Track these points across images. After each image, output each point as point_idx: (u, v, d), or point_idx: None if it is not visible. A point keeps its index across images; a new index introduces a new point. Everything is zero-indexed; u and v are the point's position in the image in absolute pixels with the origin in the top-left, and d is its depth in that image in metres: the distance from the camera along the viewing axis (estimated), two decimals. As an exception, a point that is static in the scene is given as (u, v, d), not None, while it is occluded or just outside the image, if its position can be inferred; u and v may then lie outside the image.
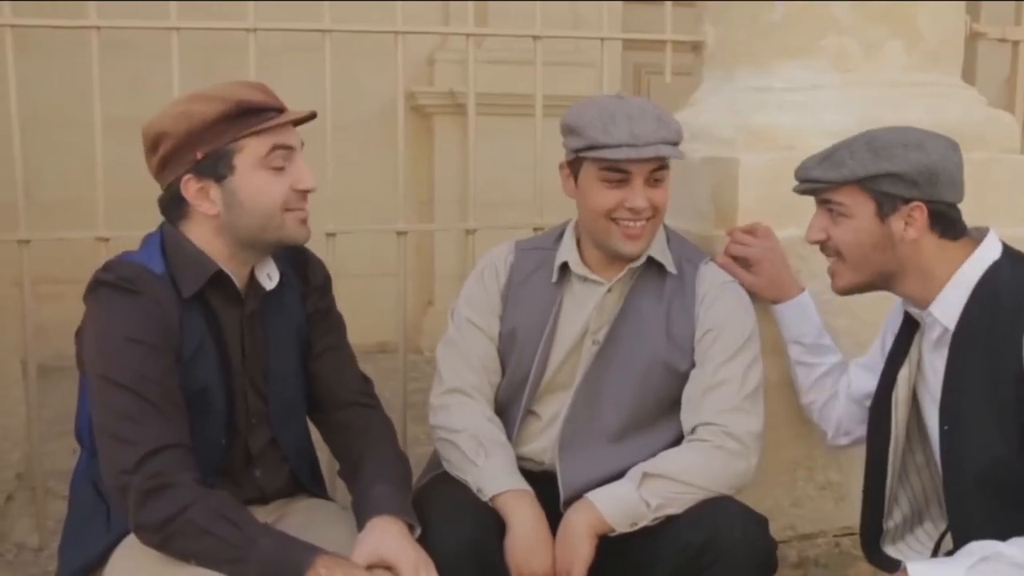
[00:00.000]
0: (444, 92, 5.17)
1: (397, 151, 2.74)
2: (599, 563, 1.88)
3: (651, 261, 2.07)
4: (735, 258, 2.26)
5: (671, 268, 2.08)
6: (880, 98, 2.48)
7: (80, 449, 1.88)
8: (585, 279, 2.10)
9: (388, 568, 1.70)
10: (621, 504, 1.89)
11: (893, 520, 1.96)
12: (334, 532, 1.80)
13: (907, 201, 1.77)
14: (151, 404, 1.67)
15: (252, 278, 1.87)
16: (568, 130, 2.02)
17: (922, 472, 1.94)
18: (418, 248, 5.19)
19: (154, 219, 1.87)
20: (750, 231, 2.29)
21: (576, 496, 1.94)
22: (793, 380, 2.28)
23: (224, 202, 1.77)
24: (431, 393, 2.13)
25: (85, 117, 2.55)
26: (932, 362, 1.85)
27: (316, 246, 2.13)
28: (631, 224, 2.00)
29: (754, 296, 2.20)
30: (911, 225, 1.78)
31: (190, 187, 1.76)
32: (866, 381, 2.11)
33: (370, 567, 1.70)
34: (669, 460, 1.95)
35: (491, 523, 1.89)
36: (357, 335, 2.16)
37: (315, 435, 2.07)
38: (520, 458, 2.05)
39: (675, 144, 1.99)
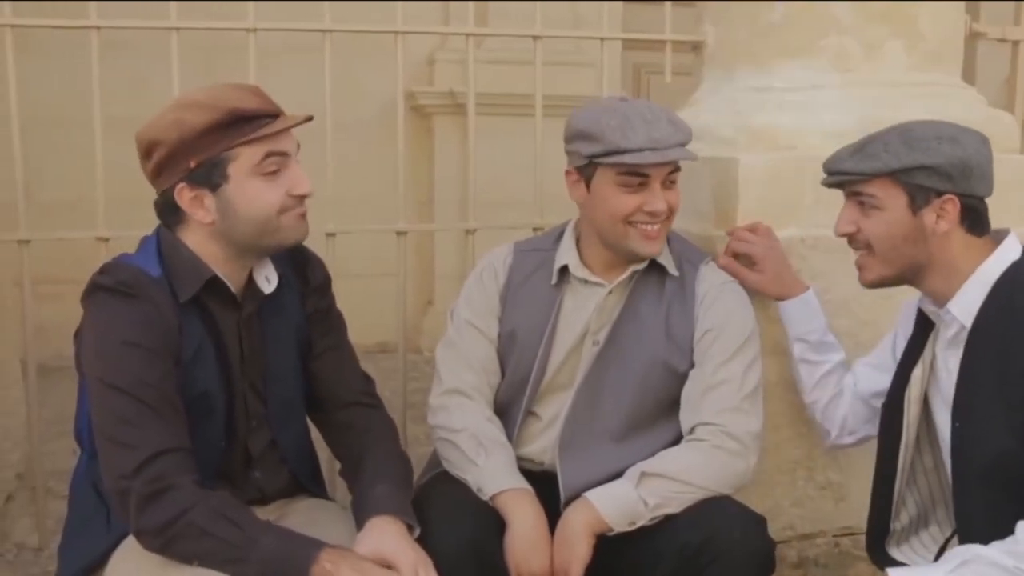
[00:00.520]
0: (444, 92, 5.17)
1: (397, 151, 2.74)
2: (597, 563, 1.88)
3: (653, 263, 2.07)
4: (737, 256, 2.27)
5: (673, 270, 2.09)
6: (880, 98, 2.48)
7: (80, 451, 1.88)
8: (585, 281, 2.09)
9: (388, 567, 1.70)
10: (619, 503, 1.89)
11: (899, 522, 1.96)
12: (334, 532, 1.80)
13: (940, 194, 1.77)
14: (150, 408, 1.66)
15: (250, 280, 1.87)
16: (581, 136, 2.00)
17: (930, 475, 1.93)
18: (418, 248, 5.19)
19: (154, 219, 1.86)
20: (751, 229, 2.29)
21: (577, 497, 1.94)
22: (796, 379, 2.28)
23: (219, 210, 1.75)
24: (430, 394, 2.13)
25: (85, 117, 2.55)
26: (946, 361, 1.85)
27: (316, 246, 2.13)
28: (649, 227, 2.00)
29: (758, 294, 2.20)
30: (943, 218, 1.77)
31: (184, 195, 1.75)
32: (874, 380, 2.11)
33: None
34: (668, 459, 1.95)
35: (491, 522, 1.89)
36: (357, 335, 2.15)
37: (315, 435, 2.07)
38: (520, 459, 2.05)
39: (687, 145, 2.00)
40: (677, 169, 2.01)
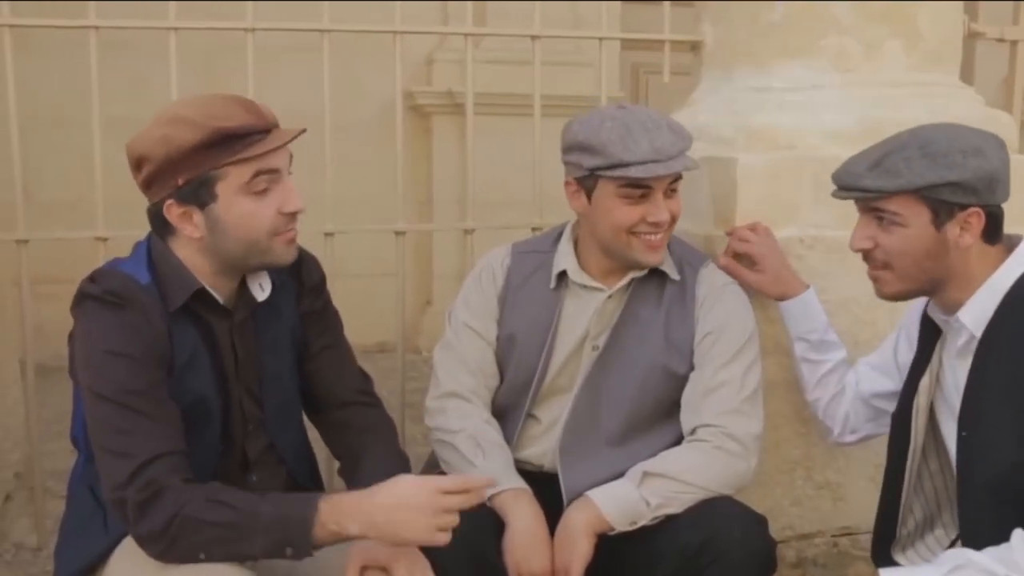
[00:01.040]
0: (443, 92, 5.17)
1: (396, 151, 2.74)
2: (598, 562, 1.87)
3: (653, 268, 2.07)
4: (737, 256, 2.27)
5: (674, 275, 2.08)
6: (880, 98, 2.49)
7: (77, 453, 1.88)
8: (584, 286, 2.09)
9: (383, 570, 1.70)
10: (621, 503, 1.89)
11: (906, 528, 1.94)
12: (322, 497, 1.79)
13: (964, 207, 1.71)
14: (140, 414, 1.65)
15: (243, 287, 1.85)
16: (580, 147, 1.98)
17: (935, 478, 1.91)
18: (417, 248, 5.19)
19: (153, 219, 1.86)
20: (751, 229, 2.29)
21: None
22: (798, 377, 2.28)
23: (208, 227, 1.73)
24: (427, 396, 2.13)
25: (84, 117, 2.55)
26: (953, 370, 1.82)
27: (315, 246, 2.13)
28: (652, 236, 1.99)
29: (758, 294, 2.20)
30: (967, 231, 1.73)
31: (172, 211, 1.73)
32: (875, 381, 2.11)
33: (365, 569, 1.70)
34: (669, 460, 1.95)
35: (488, 523, 1.89)
36: (356, 335, 2.15)
37: (313, 436, 2.06)
38: (520, 461, 2.05)
39: (688, 151, 1.99)
40: (679, 177, 2.00)
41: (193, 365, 1.77)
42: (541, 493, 1.95)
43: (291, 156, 1.79)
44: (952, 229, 1.73)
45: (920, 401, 1.88)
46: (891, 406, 2.07)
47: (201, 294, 1.78)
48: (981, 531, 1.69)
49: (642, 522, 1.89)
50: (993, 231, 1.75)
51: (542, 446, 2.08)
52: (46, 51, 4.20)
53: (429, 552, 1.75)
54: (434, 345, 2.20)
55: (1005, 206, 1.77)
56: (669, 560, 1.86)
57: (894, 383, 2.07)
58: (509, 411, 2.11)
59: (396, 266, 2.73)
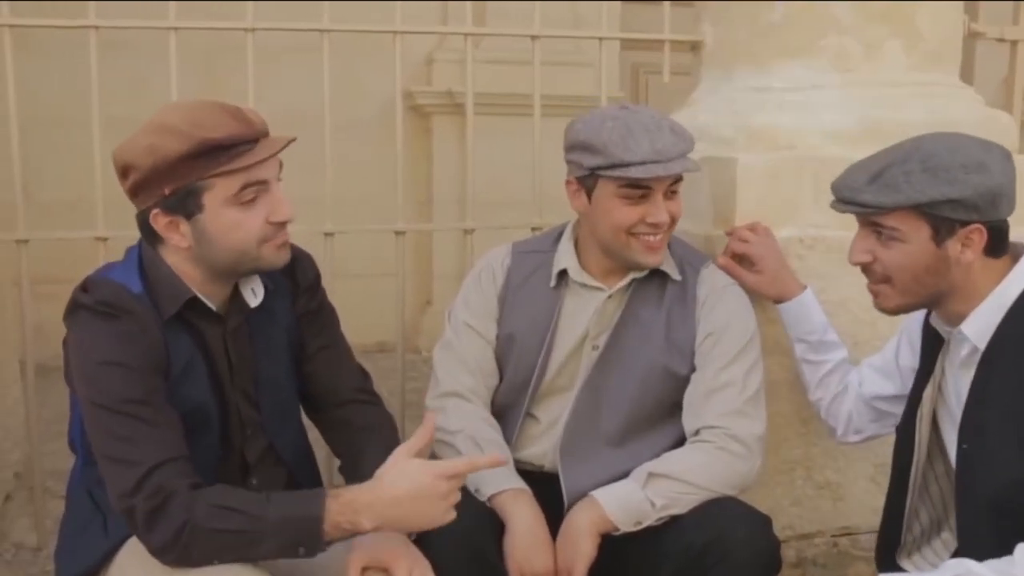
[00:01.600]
0: (442, 92, 5.17)
1: (395, 151, 2.74)
2: (601, 563, 1.87)
3: (655, 269, 2.07)
4: (736, 257, 2.27)
5: (676, 275, 2.08)
6: (880, 98, 2.49)
7: (75, 456, 1.88)
8: (584, 285, 2.09)
9: (384, 570, 1.70)
10: (626, 503, 1.89)
11: (912, 534, 1.93)
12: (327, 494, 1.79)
13: (965, 224, 1.68)
14: (141, 422, 1.65)
15: (236, 293, 1.84)
16: (582, 147, 1.98)
17: (941, 481, 1.90)
18: (416, 248, 5.19)
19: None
20: (750, 230, 2.29)
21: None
22: (801, 377, 2.28)
23: (195, 237, 1.72)
24: (427, 396, 2.13)
25: (84, 117, 2.55)
26: (955, 380, 1.81)
27: (314, 246, 2.13)
28: (651, 238, 1.99)
29: (756, 295, 2.20)
30: (968, 247, 1.70)
31: (159, 221, 1.71)
32: (877, 384, 2.10)
33: (365, 570, 1.70)
34: (674, 461, 1.95)
35: (489, 523, 1.89)
36: (356, 335, 2.15)
37: (314, 436, 2.06)
38: (519, 461, 2.05)
39: (689, 153, 1.99)
40: (680, 179, 2.00)
41: (189, 373, 1.76)
42: (541, 493, 1.95)
43: (281, 164, 1.77)
44: (953, 246, 1.70)
45: (923, 411, 1.86)
46: (893, 408, 2.07)
47: (193, 302, 1.77)
48: (980, 544, 1.67)
49: (647, 523, 1.89)
50: (997, 245, 1.71)
51: (542, 446, 2.08)
52: (46, 51, 4.20)
53: (429, 552, 1.76)
54: (434, 345, 2.20)
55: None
56: (673, 560, 1.86)
57: (895, 387, 2.07)
58: (508, 410, 2.11)
59: (396, 266, 2.73)
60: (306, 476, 2.01)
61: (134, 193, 1.73)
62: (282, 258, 1.79)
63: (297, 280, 1.96)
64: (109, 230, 2.49)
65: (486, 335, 2.12)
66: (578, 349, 2.08)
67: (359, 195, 3.62)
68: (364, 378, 2.07)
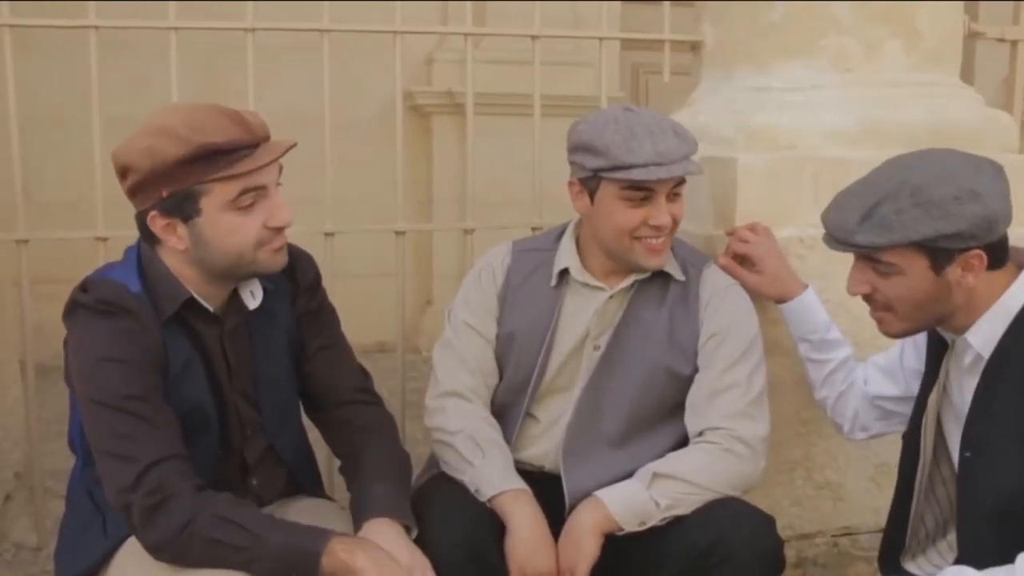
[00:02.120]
0: (442, 92, 5.16)
1: (395, 151, 2.74)
2: (604, 563, 1.87)
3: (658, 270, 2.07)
4: (736, 257, 2.26)
5: (679, 276, 2.08)
6: (880, 98, 2.48)
7: (75, 456, 1.88)
8: (586, 284, 2.09)
9: None
10: (630, 503, 1.89)
11: (917, 537, 1.92)
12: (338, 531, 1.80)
13: (964, 251, 1.65)
14: (140, 419, 1.65)
15: (234, 294, 1.84)
16: (584, 148, 1.97)
17: (948, 484, 1.88)
18: (416, 248, 5.19)
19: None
20: (750, 230, 2.29)
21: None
22: (806, 376, 2.27)
23: (192, 240, 1.72)
24: (427, 395, 2.12)
25: (84, 117, 2.55)
26: (960, 384, 1.80)
27: (314, 246, 2.13)
28: (654, 240, 1.99)
29: (757, 296, 2.20)
30: (969, 271, 1.66)
31: (156, 223, 1.71)
32: (881, 384, 2.10)
33: None
34: (679, 461, 1.95)
35: (489, 524, 1.89)
36: (356, 335, 2.15)
37: (314, 436, 2.06)
38: (519, 462, 2.05)
39: (693, 156, 1.98)
40: (682, 181, 2.00)
41: (187, 373, 1.76)
42: (541, 494, 1.95)
43: (281, 168, 1.77)
44: (953, 271, 1.67)
45: (928, 417, 1.85)
46: (898, 408, 2.07)
47: (191, 303, 1.77)
48: (981, 551, 1.67)
49: (651, 523, 1.88)
50: (998, 260, 1.68)
51: (542, 447, 2.08)
52: (46, 51, 4.20)
53: (430, 552, 1.76)
54: (434, 345, 2.19)
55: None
56: (677, 560, 1.85)
57: (899, 388, 2.06)
58: (508, 410, 2.11)
59: (396, 266, 2.73)
60: (306, 476, 2.01)
61: (132, 194, 1.73)
62: (279, 262, 1.79)
63: (297, 280, 1.96)
64: (109, 230, 2.49)
65: (486, 334, 2.12)
66: (578, 349, 2.08)
67: (359, 195, 3.62)
68: (365, 378, 2.07)
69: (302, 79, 3.02)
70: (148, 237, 1.77)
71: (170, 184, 1.67)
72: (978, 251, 1.65)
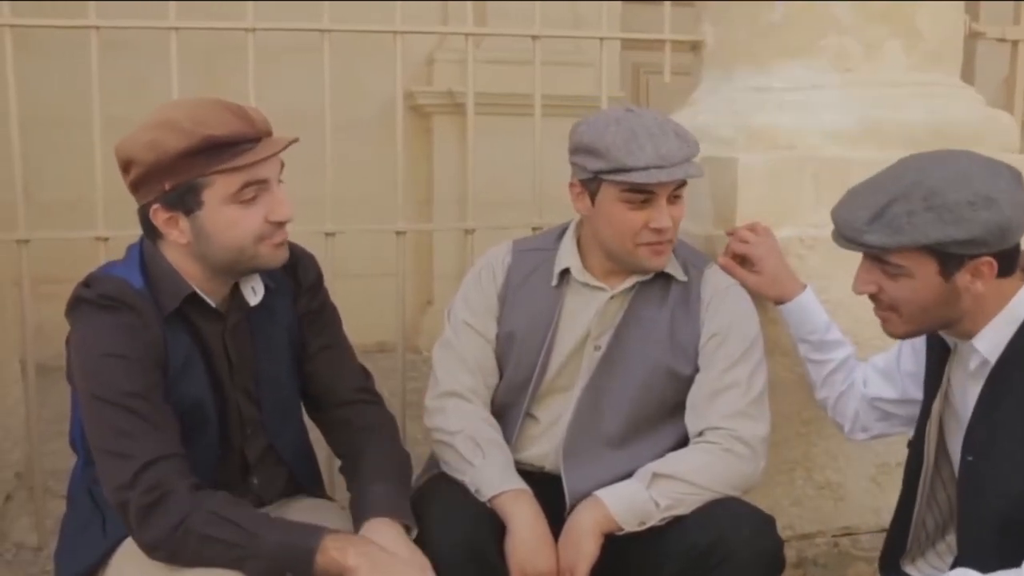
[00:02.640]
0: (443, 92, 5.17)
1: (396, 151, 2.74)
2: (604, 563, 1.87)
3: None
4: (736, 258, 2.26)
5: (681, 276, 2.08)
6: (880, 98, 2.48)
7: (76, 456, 1.88)
8: (586, 284, 2.09)
9: None
10: (630, 503, 1.89)
11: (918, 540, 1.92)
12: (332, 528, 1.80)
13: (975, 257, 1.62)
14: (139, 417, 1.66)
15: (235, 290, 1.85)
16: (585, 150, 1.97)
17: (948, 486, 1.88)
18: (417, 248, 5.19)
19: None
20: (750, 230, 2.29)
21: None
22: (806, 376, 2.27)
23: (193, 233, 1.72)
24: (426, 395, 2.12)
25: (85, 117, 2.55)
26: (963, 389, 1.79)
27: (315, 246, 2.13)
28: (656, 243, 1.99)
29: (757, 296, 2.20)
30: (979, 278, 1.64)
31: (159, 216, 1.72)
32: (879, 386, 2.09)
33: None
34: (679, 461, 1.95)
35: (489, 524, 1.89)
36: (356, 335, 2.15)
37: (315, 436, 2.06)
38: (519, 462, 2.04)
39: (694, 158, 1.98)
40: (683, 184, 1.99)
41: (187, 370, 1.77)
42: (541, 494, 1.95)
43: (282, 164, 1.77)
44: (962, 277, 1.64)
45: (932, 425, 1.85)
46: (897, 410, 2.06)
47: (193, 298, 1.77)
48: (981, 555, 1.66)
49: (651, 523, 1.88)
50: (1008, 267, 1.66)
51: (542, 447, 2.08)
52: (46, 51, 4.20)
53: (430, 552, 1.76)
54: (434, 345, 2.19)
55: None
56: (676, 560, 1.85)
57: (896, 391, 2.06)
58: (508, 410, 2.11)
59: (396, 266, 2.73)
60: (307, 476, 2.01)
61: (135, 188, 1.73)
62: (279, 257, 1.79)
63: (299, 279, 1.96)
64: (109, 230, 2.49)
65: (486, 334, 2.11)
66: (579, 349, 2.08)
67: (360, 195, 3.62)
68: (366, 378, 2.07)
69: (302, 79, 3.01)
70: (150, 232, 1.77)
71: (173, 177, 1.68)
72: (989, 258, 1.62)
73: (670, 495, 1.89)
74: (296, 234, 1.88)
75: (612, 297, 2.07)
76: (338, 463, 2.03)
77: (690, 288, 2.08)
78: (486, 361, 2.11)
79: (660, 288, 2.08)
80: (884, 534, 2.02)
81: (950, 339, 1.81)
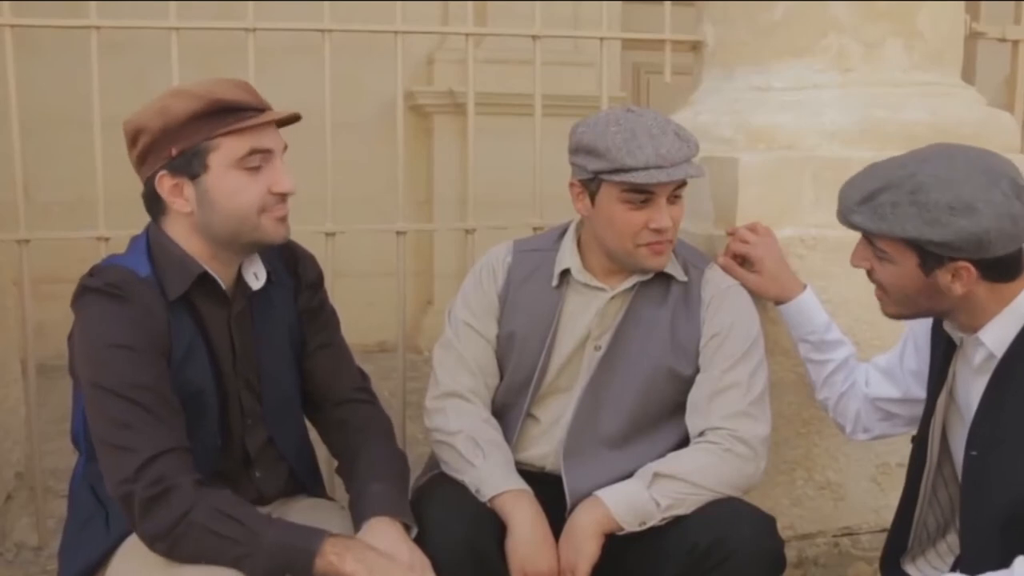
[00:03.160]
0: (443, 92, 5.17)
1: (396, 151, 2.74)
2: (605, 563, 1.87)
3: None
4: (736, 258, 2.26)
5: (682, 276, 2.08)
6: (880, 98, 2.48)
7: (77, 453, 1.88)
8: (587, 285, 2.09)
9: None
10: (630, 503, 1.89)
11: (919, 540, 1.92)
12: (334, 532, 1.80)
13: (953, 259, 1.64)
14: (144, 409, 1.66)
15: (239, 278, 1.86)
16: (585, 150, 1.97)
17: (949, 485, 1.88)
18: (417, 248, 5.19)
19: (153, 220, 1.86)
20: (751, 230, 2.29)
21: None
22: (806, 377, 2.27)
23: (197, 200, 1.74)
24: (427, 396, 2.12)
25: (85, 117, 2.56)
26: (968, 385, 1.79)
27: (315, 246, 2.13)
28: (656, 243, 1.99)
29: (757, 296, 2.20)
30: (958, 280, 1.66)
31: (164, 183, 1.74)
32: (881, 386, 2.09)
33: None
34: (680, 461, 1.95)
35: (489, 524, 1.89)
36: (357, 335, 2.16)
37: (314, 435, 2.07)
38: (520, 463, 2.04)
39: (694, 158, 1.98)
40: (683, 184, 1.99)
41: (190, 358, 1.77)
42: (542, 494, 1.95)
43: (286, 145, 1.81)
44: (943, 275, 1.67)
45: (936, 420, 1.85)
46: (899, 410, 2.06)
47: (202, 280, 1.78)
48: (983, 553, 1.66)
49: (651, 523, 1.88)
50: (1000, 274, 1.66)
51: (542, 448, 2.08)
52: (47, 51, 4.20)
53: (430, 552, 1.76)
54: (434, 345, 2.19)
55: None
56: (677, 560, 1.85)
57: (899, 390, 2.05)
58: (508, 410, 2.11)
59: (397, 266, 2.73)
60: (306, 474, 2.02)
61: (142, 159, 1.76)
62: (281, 233, 1.81)
63: (299, 275, 1.98)
64: (110, 230, 2.49)
65: (486, 334, 2.11)
66: (579, 349, 2.08)
67: (360, 195, 3.63)
68: (362, 378, 2.08)
69: (303, 79, 3.01)
70: (154, 207, 1.80)
71: (180, 141, 1.72)
72: (966, 263, 1.64)
73: (671, 495, 1.89)
74: (297, 234, 1.88)
75: (612, 297, 2.07)
76: (336, 462, 2.03)
77: (691, 288, 2.08)
78: (486, 361, 2.11)
79: (660, 288, 2.08)
80: (884, 534, 2.02)
81: (956, 335, 1.81)
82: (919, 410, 1.94)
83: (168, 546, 1.64)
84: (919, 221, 1.62)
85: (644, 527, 1.88)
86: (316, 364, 2.00)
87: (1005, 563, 1.58)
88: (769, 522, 1.91)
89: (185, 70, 2.51)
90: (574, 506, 1.94)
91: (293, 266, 1.97)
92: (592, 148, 1.95)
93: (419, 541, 1.79)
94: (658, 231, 1.97)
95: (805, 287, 2.23)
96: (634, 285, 2.07)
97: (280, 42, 2.95)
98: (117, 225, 2.44)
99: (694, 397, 2.04)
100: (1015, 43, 3.26)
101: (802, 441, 2.45)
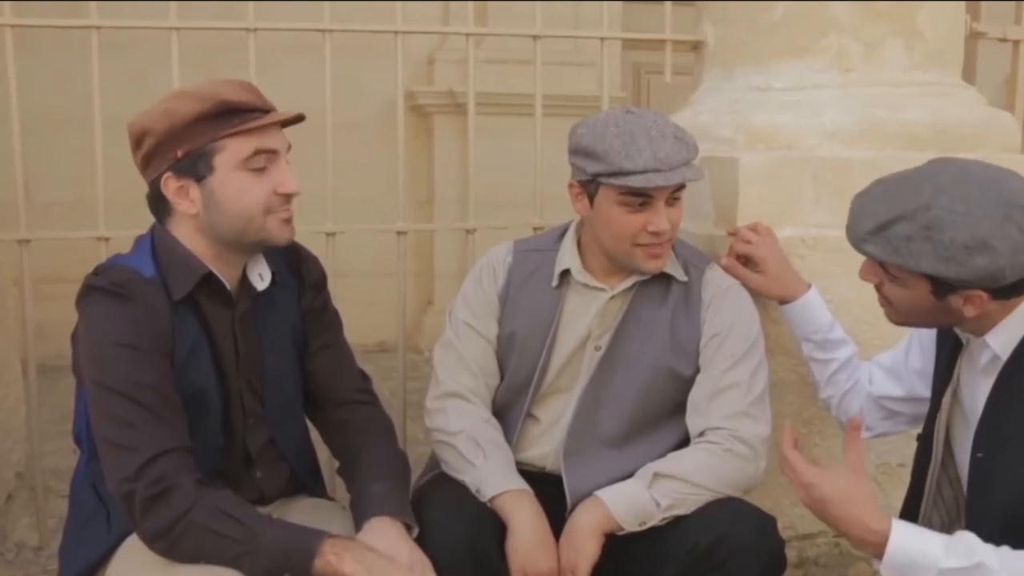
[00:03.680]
0: (444, 92, 5.17)
1: (397, 151, 2.74)
2: (605, 563, 1.87)
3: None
4: (739, 258, 2.26)
5: (682, 277, 2.08)
6: (880, 98, 2.48)
7: (79, 452, 1.88)
8: (587, 285, 2.09)
9: None
10: (631, 503, 1.89)
11: None
12: (334, 532, 1.80)
13: (967, 288, 1.63)
14: (147, 409, 1.66)
15: (244, 278, 1.86)
16: (584, 152, 1.96)
17: (954, 484, 1.86)
18: (418, 248, 5.19)
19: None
20: (752, 230, 2.29)
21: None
22: (810, 376, 2.27)
23: (203, 202, 1.75)
24: (427, 396, 2.12)
25: (85, 117, 2.56)
26: (973, 385, 1.78)
27: (316, 246, 2.13)
28: (653, 245, 1.99)
29: (759, 296, 2.20)
30: (970, 304, 1.64)
31: (170, 185, 1.75)
32: (885, 385, 2.09)
33: None
34: (680, 461, 1.95)
35: (490, 524, 1.89)
36: (357, 335, 2.16)
37: (314, 434, 2.07)
38: (520, 463, 2.04)
39: (693, 160, 1.97)
40: (682, 187, 1.99)
41: (193, 358, 1.77)
42: (542, 494, 1.94)
43: (290, 146, 1.81)
44: (955, 300, 1.65)
45: (941, 419, 1.84)
46: (903, 408, 2.06)
47: (208, 281, 1.79)
48: None
49: (652, 523, 1.88)
50: (1008, 295, 1.65)
51: (543, 448, 2.08)
52: (47, 51, 4.20)
53: (430, 552, 1.76)
54: (435, 345, 2.19)
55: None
56: (677, 560, 1.85)
57: (903, 389, 2.05)
58: (508, 410, 2.11)
59: (397, 266, 2.73)
60: (307, 474, 2.02)
61: (147, 161, 1.76)
62: (286, 234, 1.81)
63: (303, 276, 1.98)
64: (110, 230, 2.49)
65: (486, 334, 2.11)
66: (580, 349, 2.08)
67: (361, 195, 3.63)
68: (364, 379, 2.09)
69: (303, 79, 3.01)
70: (160, 209, 1.80)
71: (186, 142, 1.72)
72: (981, 292, 1.63)
73: (671, 495, 1.89)
74: (298, 234, 1.88)
75: (612, 297, 2.07)
76: (337, 463, 2.03)
77: (691, 288, 2.08)
78: (487, 362, 2.11)
79: (661, 288, 2.08)
80: (885, 534, 2.02)
81: (963, 334, 1.81)
82: (922, 408, 1.94)
83: (168, 545, 1.64)
84: (933, 258, 1.60)
85: (644, 527, 1.88)
86: (318, 365, 2.00)
87: None
88: (770, 522, 1.90)
89: (185, 70, 2.51)
90: (574, 506, 1.94)
91: (297, 267, 1.98)
92: (591, 150, 1.95)
93: (420, 541, 1.79)
94: (656, 234, 1.97)
95: (810, 286, 2.22)
96: (634, 285, 2.07)
97: (280, 42, 2.95)
98: (117, 225, 2.44)
99: (694, 397, 2.04)
100: (1015, 43, 3.26)
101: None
